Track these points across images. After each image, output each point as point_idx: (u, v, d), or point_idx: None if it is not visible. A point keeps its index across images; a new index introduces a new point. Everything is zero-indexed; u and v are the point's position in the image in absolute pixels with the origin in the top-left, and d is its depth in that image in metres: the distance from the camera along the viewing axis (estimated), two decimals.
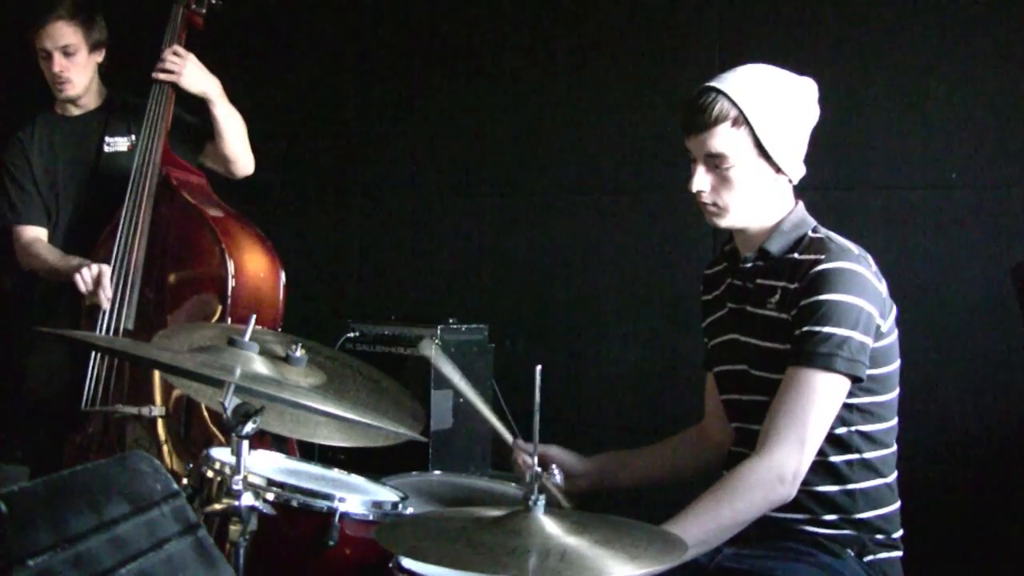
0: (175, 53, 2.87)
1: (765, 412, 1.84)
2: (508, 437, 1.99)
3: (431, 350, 1.98)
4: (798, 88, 1.92)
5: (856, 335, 1.77)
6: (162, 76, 2.88)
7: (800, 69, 1.96)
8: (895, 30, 3.06)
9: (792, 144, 1.90)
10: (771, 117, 1.85)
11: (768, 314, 1.88)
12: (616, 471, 2.13)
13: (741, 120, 1.84)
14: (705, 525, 1.72)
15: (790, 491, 1.75)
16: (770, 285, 1.90)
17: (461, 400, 3.23)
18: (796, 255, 1.88)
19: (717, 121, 1.84)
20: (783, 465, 1.74)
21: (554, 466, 2.01)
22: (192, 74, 2.88)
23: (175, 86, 2.89)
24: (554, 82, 3.68)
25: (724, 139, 1.85)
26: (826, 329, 1.76)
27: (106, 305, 2.71)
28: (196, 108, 3.03)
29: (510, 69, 3.78)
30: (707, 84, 1.88)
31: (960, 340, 2.91)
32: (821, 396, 1.76)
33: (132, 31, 3.29)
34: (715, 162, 1.87)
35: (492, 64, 3.81)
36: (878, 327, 1.83)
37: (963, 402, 2.92)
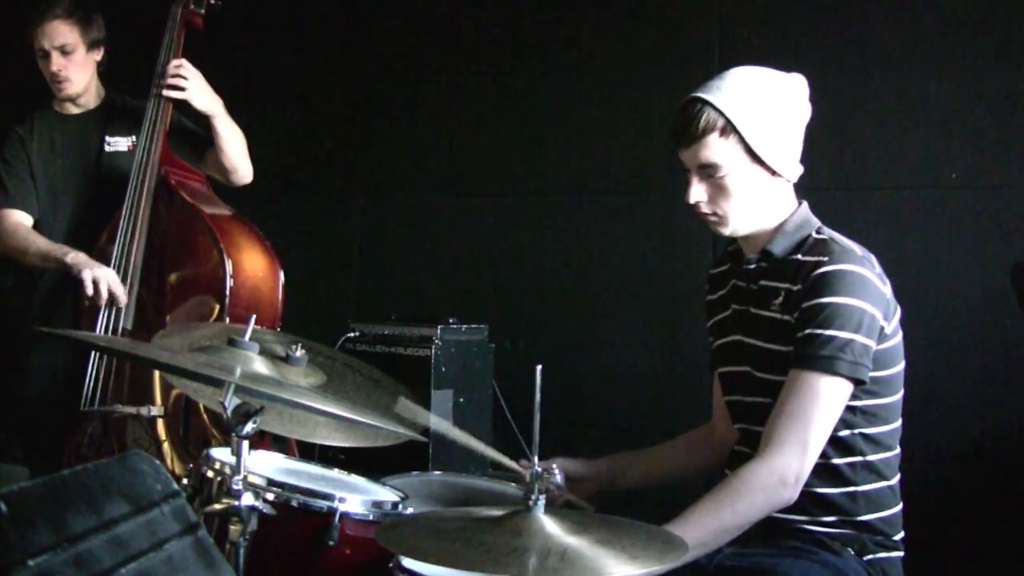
0: (181, 67, 2.87)
1: (768, 414, 1.84)
2: (512, 464, 1.97)
3: (405, 407, 1.92)
4: (786, 87, 1.91)
5: (859, 338, 1.77)
6: (172, 94, 2.87)
7: (800, 68, 1.95)
8: (895, 30, 3.06)
9: (784, 145, 1.89)
10: (760, 121, 1.84)
11: (772, 316, 1.88)
12: (621, 473, 2.12)
13: (729, 129, 1.83)
14: (706, 527, 1.72)
15: (792, 494, 1.75)
16: (773, 287, 1.89)
17: (462, 400, 3.23)
18: (799, 256, 1.88)
19: (705, 132, 1.83)
20: (785, 468, 1.74)
21: (554, 466, 2.00)
22: (200, 92, 2.88)
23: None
24: (554, 82, 3.68)
25: (714, 149, 1.84)
26: (828, 332, 1.76)
27: (123, 307, 2.72)
28: (196, 118, 3.03)
29: (510, 69, 3.77)
30: (692, 95, 1.87)
31: (960, 340, 2.91)
32: (824, 399, 1.76)
33: (131, 31, 3.29)
34: (709, 172, 1.87)
35: (492, 64, 3.81)
36: (881, 329, 1.82)
37: (963, 402, 2.92)
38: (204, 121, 2.96)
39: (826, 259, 1.82)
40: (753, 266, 1.94)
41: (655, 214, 3.45)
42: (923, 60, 3.01)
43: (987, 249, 2.91)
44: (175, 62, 2.88)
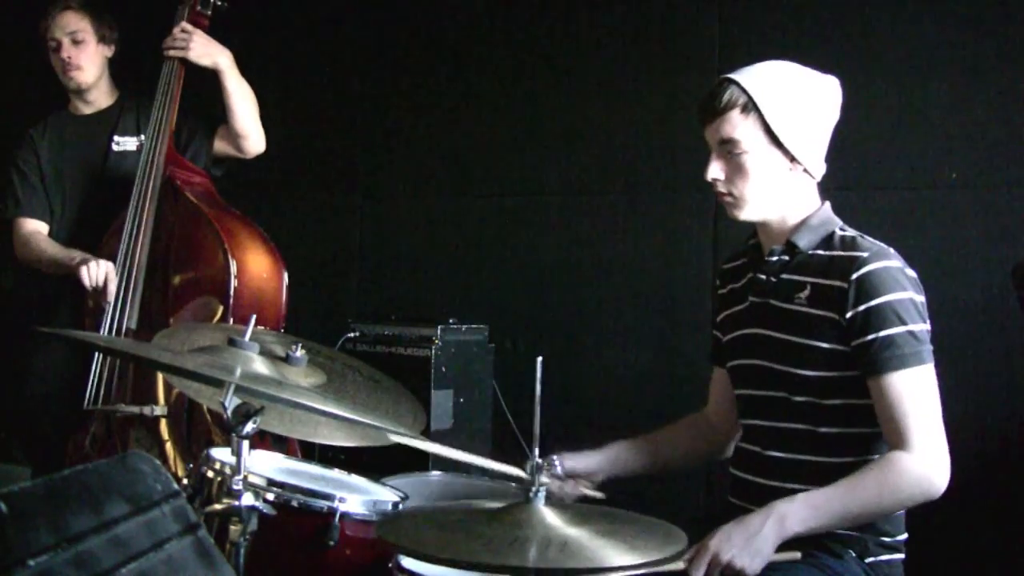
0: (182, 29, 2.90)
1: (779, 407, 1.87)
2: (515, 471, 1.97)
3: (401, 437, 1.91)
4: (816, 83, 1.94)
5: (925, 326, 1.83)
6: (172, 53, 2.90)
7: None
8: (896, 30, 3.06)
9: (806, 135, 1.91)
10: (782, 105, 1.87)
11: (795, 309, 1.88)
12: (623, 463, 2.12)
13: (751, 106, 1.86)
14: (856, 506, 1.75)
15: (944, 485, 1.79)
16: (798, 280, 1.90)
17: (462, 400, 3.23)
18: (828, 252, 1.89)
19: (727, 108, 1.87)
20: (941, 461, 1.79)
21: (554, 457, 2.00)
22: (200, 47, 2.89)
23: (186, 65, 2.90)
24: (554, 82, 3.68)
25: (734, 125, 1.87)
26: (904, 329, 1.79)
27: (109, 305, 2.72)
28: (204, 103, 3.04)
29: (510, 69, 3.78)
30: (724, 76, 1.92)
31: (960, 340, 2.91)
32: (930, 389, 1.82)
33: (137, 34, 3.29)
34: (728, 149, 1.90)
35: (492, 64, 3.81)
36: None
37: (962, 403, 2.89)
38: (214, 97, 2.95)
39: (865, 255, 1.83)
40: (775, 259, 1.95)
41: (655, 214, 3.45)
42: (923, 60, 3.01)
43: (987, 249, 2.90)
44: (180, 25, 2.91)
